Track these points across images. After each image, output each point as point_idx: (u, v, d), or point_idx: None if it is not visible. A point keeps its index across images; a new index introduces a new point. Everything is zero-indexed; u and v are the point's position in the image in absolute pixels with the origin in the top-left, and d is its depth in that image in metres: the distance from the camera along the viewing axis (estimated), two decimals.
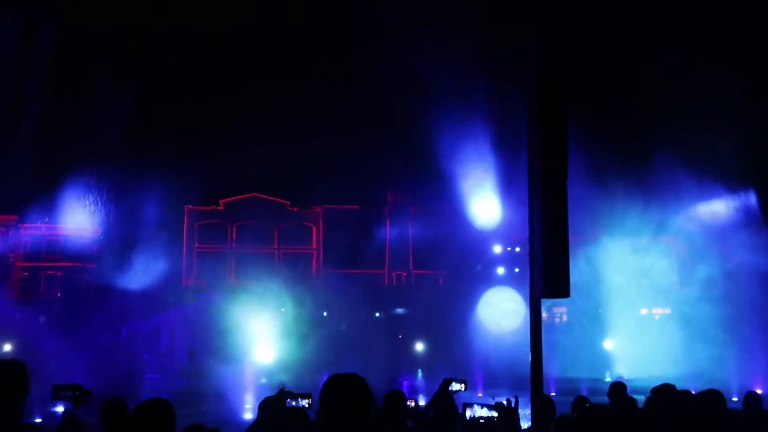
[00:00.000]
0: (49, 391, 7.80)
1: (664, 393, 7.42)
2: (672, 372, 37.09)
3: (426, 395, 37.69)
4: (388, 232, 66.15)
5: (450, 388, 7.38)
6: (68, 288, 57.59)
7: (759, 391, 10.49)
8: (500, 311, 50.64)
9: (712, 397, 7.47)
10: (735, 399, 15.88)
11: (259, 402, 6.38)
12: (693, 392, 8.28)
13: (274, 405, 6.16)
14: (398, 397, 7.60)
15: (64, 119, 62.56)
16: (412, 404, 8.36)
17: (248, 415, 25.10)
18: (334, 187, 62.06)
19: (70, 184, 55.55)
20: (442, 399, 7.41)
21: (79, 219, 56.89)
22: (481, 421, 7.05)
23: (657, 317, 51.26)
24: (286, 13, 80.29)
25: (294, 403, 6.47)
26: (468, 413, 7.10)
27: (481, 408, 7.05)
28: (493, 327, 49.14)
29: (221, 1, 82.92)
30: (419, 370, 44.04)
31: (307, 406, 6.54)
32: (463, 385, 7.43)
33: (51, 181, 56.50)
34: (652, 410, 7.32)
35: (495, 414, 6.89)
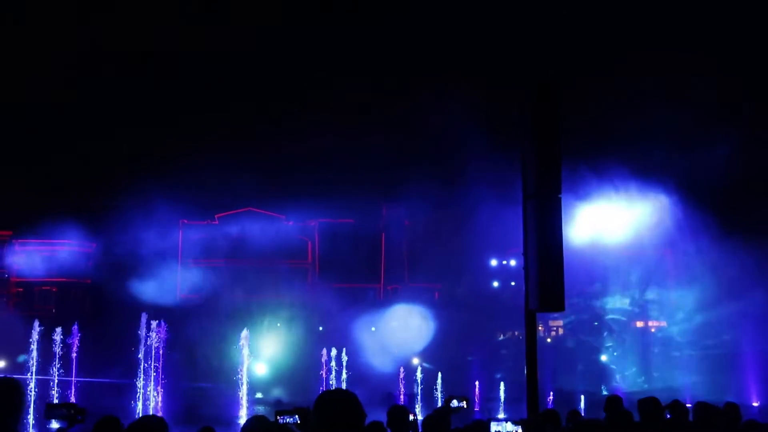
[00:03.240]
0: (43, 409, 7.76)
1: (651, 406, 7.50)
2: (669, 384, 37.10)
3: (423, 410, 37.56)
4: (383, 245, 66.10)
5: (451, 405, 7.43)
6: (63, 304, 57.37)
7: (756, 404, 10.50)
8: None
9: (706, 410, 7.49)
10: None
11: (246, 420, 6.34)
12: (689, 405, 8.29)
13: (258, 427, 6.12)
14: (400, 412, 7.61)
15: (59, 134, 62.62)
16: (411, 418, 8.40)
17: None
18: (328, 201, 62.03)
19: (65, 199, 55.48)
20: (439, 416, 7.41)
21: (73, 234, 56.75)
22: None
23: (653, 330, 51.21)
24: (286, 30, 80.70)
25: (289, 419, 6.44)
26: (494, 428, 7.42)
27: (507, 423, 7.42)
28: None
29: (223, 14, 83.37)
30: (416, 385, 43.90)
31: (297, 422, 6.53)
32: (464, 402, 7.49)
33: (45, 196, 56.46)
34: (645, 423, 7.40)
35: (519, 429, 7.22)
